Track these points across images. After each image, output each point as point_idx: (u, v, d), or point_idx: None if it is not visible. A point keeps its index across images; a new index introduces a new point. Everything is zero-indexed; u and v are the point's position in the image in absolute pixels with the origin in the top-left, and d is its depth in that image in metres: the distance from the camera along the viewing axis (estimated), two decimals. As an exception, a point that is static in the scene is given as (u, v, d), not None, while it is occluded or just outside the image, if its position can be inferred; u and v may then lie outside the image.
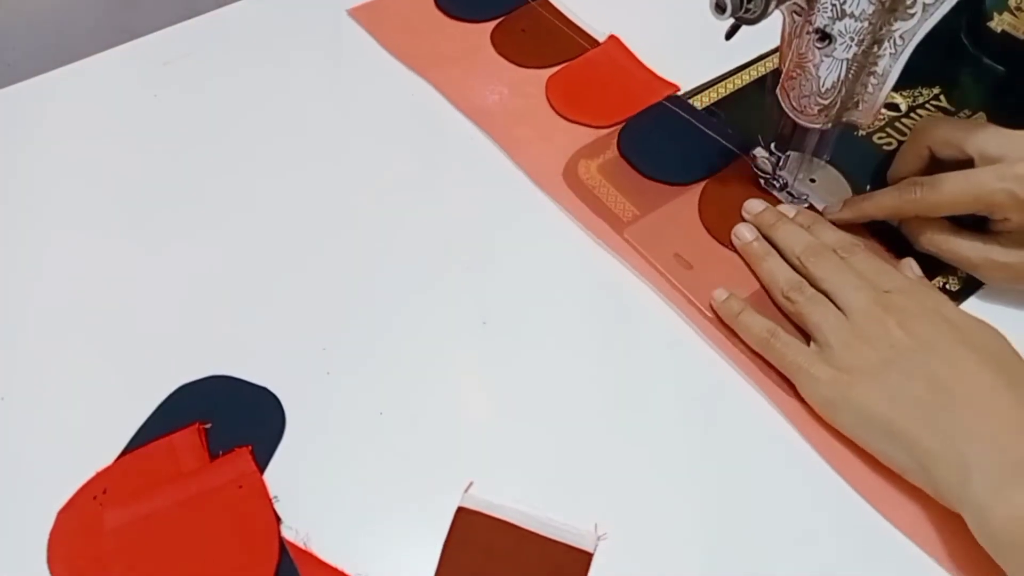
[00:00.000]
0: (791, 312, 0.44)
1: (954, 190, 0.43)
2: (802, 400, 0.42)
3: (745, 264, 0.47)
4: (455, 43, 0.62)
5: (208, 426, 0.41)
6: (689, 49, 0.59)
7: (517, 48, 0.61)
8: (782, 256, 0.46)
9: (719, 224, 0.49)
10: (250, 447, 0.40)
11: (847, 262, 0.44)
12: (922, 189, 0.45)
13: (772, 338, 0.42)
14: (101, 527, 0.37)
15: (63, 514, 0.38)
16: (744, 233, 0.47)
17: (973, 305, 0.45)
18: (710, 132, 0.54)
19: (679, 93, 0.58)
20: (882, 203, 0.47)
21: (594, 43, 0.61)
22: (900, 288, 0.42)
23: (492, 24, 0.63)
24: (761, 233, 0.48)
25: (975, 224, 0.45)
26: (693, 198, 0.51)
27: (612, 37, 0.61)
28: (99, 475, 0.39)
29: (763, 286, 0.46)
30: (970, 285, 0.46)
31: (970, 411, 0.36)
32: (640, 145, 0.54)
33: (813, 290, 0.43)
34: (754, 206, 0.49)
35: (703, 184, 0.51)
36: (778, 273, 0.45)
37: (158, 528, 0.37)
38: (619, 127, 0.55)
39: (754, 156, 0.52)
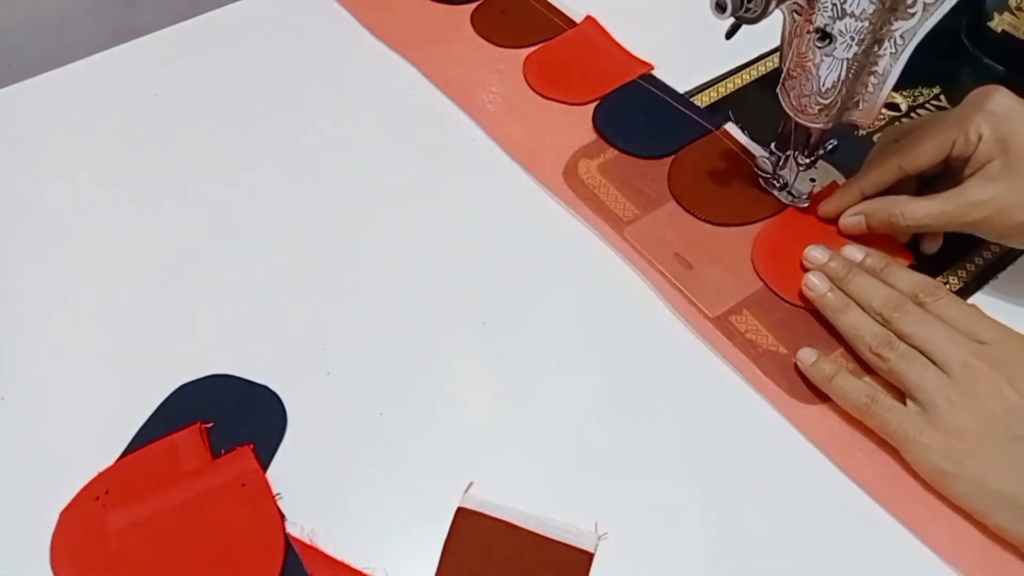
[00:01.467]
0: (883, 371, 0.40)
1: (930, 133, 0.44)
2: (800, 400, 0.42)
3: (745, 264, 0.47)
4: (435, 23, 0.63)
5: (209, 425, 0.41)
6: (689, 49, 0.60)
7: (495, 28, 0.63)
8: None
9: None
10: (252, 445, 0.40)
11: (931, 311, 0.41)
12: (899, 145, 0.45)
13: (873, 404, 0.39)
14: (104, 528, 0.37)
15: (65, 515, 0.38)
16: (817, 285, 0.44)
17: (978, 301, 0.45)
18: (681, 108, 0.56)
19: (653, 72, 0.59)
20: (865, 175, 0.47)
21: (571, 23, 0.63)
22: (997, 339, 0.39)
23: (472, 6, 0.65)
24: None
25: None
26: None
27: (589, 17, 0.63)
28: (101, 475, 0.39)
29: (846, 340, 0.43)
30: (971, 285, 0.46)
31: None
32: (614, 121, 0.55)
33: (905, 345, 0.40)
34: (817, 256, 0.45)
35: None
36: (862, 328, 0.41)
37: (162, 528, 0.37)
38: (594, 104, 0.56)
39: (753, 155, 0.52)
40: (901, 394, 0.40)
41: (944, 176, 0.46)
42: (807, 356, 0.42)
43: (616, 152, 0.53)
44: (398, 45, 0.61)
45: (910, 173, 0.45)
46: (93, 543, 0.37)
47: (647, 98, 0.57)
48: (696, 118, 0.55)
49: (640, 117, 0.55)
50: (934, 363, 0.39)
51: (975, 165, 0.43)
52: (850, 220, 0.47)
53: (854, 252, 0.45)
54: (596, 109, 0.56)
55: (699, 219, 0.50)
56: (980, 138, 0.42)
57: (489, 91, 0.58)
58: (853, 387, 0.40)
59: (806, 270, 0.45)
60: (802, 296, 0.45)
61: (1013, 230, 0.42)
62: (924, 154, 0.44)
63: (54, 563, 0.37)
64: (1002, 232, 0.43)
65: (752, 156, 0.52)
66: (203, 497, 0.38)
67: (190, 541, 0.37)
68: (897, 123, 0.51)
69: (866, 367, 0.42)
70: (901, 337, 0.40)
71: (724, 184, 0.51)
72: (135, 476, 0.39)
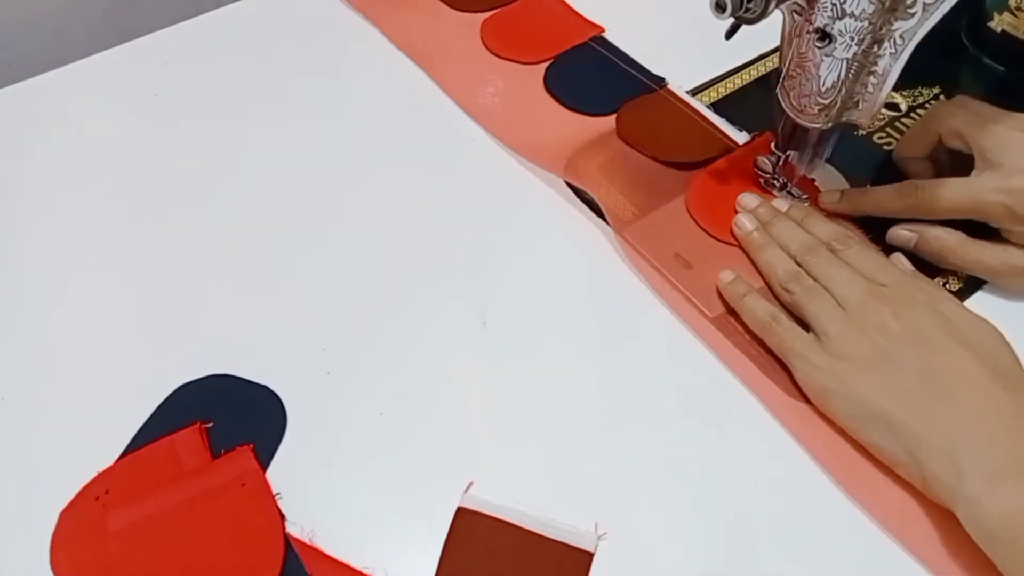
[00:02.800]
0: (788, 303, 0.44)
1: (952, 196, 0.44)
2: (801, 400, 0.42)
3: (747, 260, 0.47)
4: None
5: (209, 425, 0.41)
6: (689, 48, 0.60)
7: None
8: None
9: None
10: (252, 445, 0.40)
11: (842, 257, 0.44)
12: (921, 192, 0.45)
13: (774, 322, 0.43)
14: (104, 528, 0.37)
15: (65, 514, 0.38)
16: (745, 223, 0.48)
17: (974, 304, 0.45)
18: (628, 68, 0.59)
19: (604, 35, 0.62)
20: (879, 201, 0.47)
21: None
22: (895, 281, 0.42)
23: None
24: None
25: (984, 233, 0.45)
26: (683, 200, 0.51)
27: None
28: (101, 475, 0.39)
29: (761, 276, 0.46)
30: (970, 286, 0.46)
31: (964, 405, 0.37)
32: (564, 80, 0.58)
33: (812, 281, 0.43)
34: (748, 201, 0.49)
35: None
36: (777, 264, 0.45)
37: (162, 528, 0.37)
38: (546, 63, 0.60)
39: (756, 157, 0.52)
40: (807, 327, 0.43)
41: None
42: (726, 275, 0.46)
43: (616, 152, 0.53)
44: (361, 7, 0.63)
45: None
46: (93, 543, 0.37)
47: (597, 59, 0.60)
48: (641, 77, 0.58)
49: (588, 77, 0.59)
50: (835, 300, 0.42)
51: (1012, 239, 0.44)
52: (903, 235, 0.47)
53: (780, 203, 0.49)
54: (548, 69, 0.59)
55: (644, 155, 0.53)
56: (1003, 209, 0.43)
57: (451, 56, 0.61)
58: (760, 306, 0.44)
59: (737, 213, 0.49)
60: (734, 236, 0.48)
61: None
62: (939, 214, 0.45)
63: (54, 563, 0.37)
64: None
65: (693, 110, 0.56)
66: (203, 497, 0.38)
67: (190, 541, 0.37)
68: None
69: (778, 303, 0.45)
70: (810, 274, 0.44)
71: (667, 129, 0.55)
72: (135, 476, 0.39)
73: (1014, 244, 0.44)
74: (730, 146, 0.53)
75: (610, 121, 0.55)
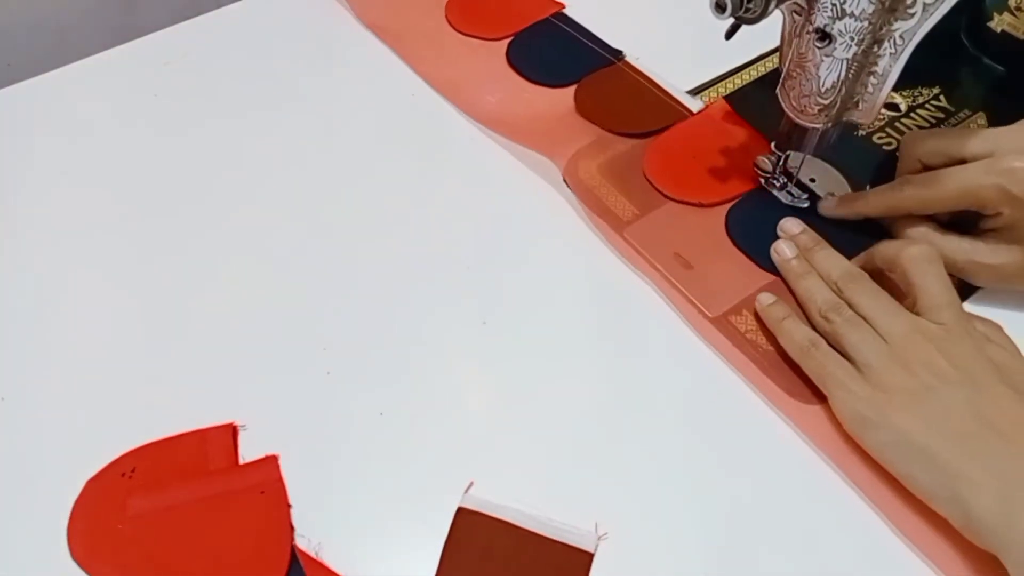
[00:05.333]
0: (828, 332, 0.42)
1: (945, 186, 0.43)
2: (801, 400, 0.42)
3: (747, 263, 0.47)
4: None
5: (242, 425, 0.41)
6: (689, 48, 0.60)
7: None
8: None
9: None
10: (278, 455, 0.40)
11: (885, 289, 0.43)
12: (913, 186, 0.45)
13: (813, 347, 0.41)
14: (124, 504, 0.38)
15: (92, 483, 0.39)
16: (785, 250, 0.46)
17: (970, 308, 0.45)
18: (587, 42, 0.61)
19: (564, 10, 0.64)
20: (875, 201, 0.47)
21: None
22: (938, 317, 0.40)
23: None
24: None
25: (964, 225, 0.45)
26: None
27: None
28: (131, 453, 0.40)
29: (800, 305, 0.45)
30: (969, 287, 0.46)
31: (1018, 448, 0.35)
32: (526, 55, 0.61)
33: (851, 312, 0.42)
34: (790, 227, 0.48)
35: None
36: (816, 292, 0.44)
37: (177, 522, 0.38)
38: (509, 40, 0.62)
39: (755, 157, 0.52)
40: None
41: None
42: (765, 298, 0.45)
43: (616, 152, 0.53)
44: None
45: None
46: (111, 519, 0.38)
47: (557, 34, 0.62)
48: (600, 51, 0.60)
49: (549, 51, 0.61)
50: (877, 333, 0.41)
51: (999, 224, 0.43)
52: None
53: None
54: (510, 45, 0.61)
55: (602, 129, 0.54)
56: (999, 191, 0.42)
57: (418, 34, 0.63)
58: (799, 331, 0.43)
59: (778, 239, 0.48)
60: (687, 193, 0.50)
61: None
62: (935, 207, 0.45)
63: (71, 528, 0.38)
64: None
65: (650, 81, 0.58)
66: (223, 497, 0.39)
67: (201, 539, 0.38)
68: (924, 126, 0.52)
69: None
70: (851, 305, 0.42)
71: (623, 99, 0.57)
72: (162, 461, 0.40)
73: (983, 238, 0.44)
74: (684, 114, 0.55)
75: (570, 92, 0.57)
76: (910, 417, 0.37)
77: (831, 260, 0.45)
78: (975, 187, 0.42)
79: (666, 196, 0.50)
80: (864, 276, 0.44)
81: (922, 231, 0.46)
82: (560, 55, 0.60)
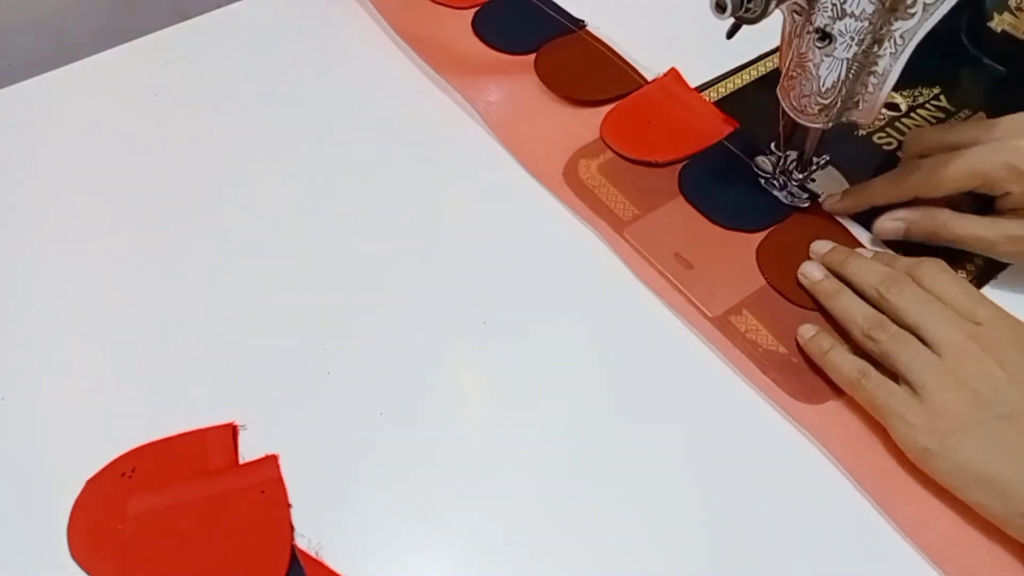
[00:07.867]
0: (875, 353, 0.40)
1: (954, 167, 0.43)
2: (801, 400, 0.42)
3: (748, 262, 0.47)
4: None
5: (242, 426, 0.41)
6: (689, 49, 0.60)
7: None
8: (857, 291, 0.43)
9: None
10: (278, 455, 0.40)
11: (927, 286, 0.41)
12: (923, 170, 0.44)
13: (863, 378, 0.39)
14: (124, 504, 0.38)
15: (92, 483, 0.39)
16: (813, 271, 0.45)
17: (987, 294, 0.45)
18: (549, 11, 0.63)
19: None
20: (882, 188, 0.46)
21: None
22: (991, 320, 0.39)
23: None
24: (831, 272, 0.45)
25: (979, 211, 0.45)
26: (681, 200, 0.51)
27: None
28: (131, 453, 0.40)
29: (839, 326, 0.43)
30: (982, 276, 0.46)
31: None
32: (490, 23, 0.62)
33: (896, 327, 0.40)
34: (821, 247, 0.46)
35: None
36: (855, 311, 0.42)
37: (177, 521, 0.38)
38: (475, 9, 0.63)
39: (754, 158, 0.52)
40: (896, 377, 0.40)
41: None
42: (807, 331, 0.43)
43: (615, 152, 0.53)
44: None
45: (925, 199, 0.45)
46: (111, 518, 0.38)
47: (520, 4, 0.64)
48: (562, 20, 0.62)
49: (513, 19, 0.62)
50: (926, 343, 0.39)
51: (1012, 204, 0.43)
52: (889, 225, 0.46)
53: (861, 250, 0.46)
54: (476, 13, 0.63)
55: (559, 97, 0.56)
56: (1008, 169, 0.42)
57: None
58: (847, 361, 0.40)
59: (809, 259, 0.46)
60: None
61: None
62: (944, 188, 0.44)
63: (71, 527, 0.38)
64: None
65: (609, 49, 0.59)
66: (223, 497, 0.39)
67: (201, 539, 0.37)
68: (924, 126, 0.52)
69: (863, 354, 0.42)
70: (896, 313, 0.41)
71: (582, 67, 0.58)
72: (162, 461, 0.40)
73: (1009, 215, 0.43)
74: (641, 82, 0.57)
75: (530, 59, 0.59)
76: (970, 444, 0.36)
77: (866, 267, 0.43)
78: (985, 165, 0.42)
79: (623, 156, 0.53)
80: (905, 278, 0.42)
81: (948, 217, 0.44)
82: (523, 24, 0.62)
